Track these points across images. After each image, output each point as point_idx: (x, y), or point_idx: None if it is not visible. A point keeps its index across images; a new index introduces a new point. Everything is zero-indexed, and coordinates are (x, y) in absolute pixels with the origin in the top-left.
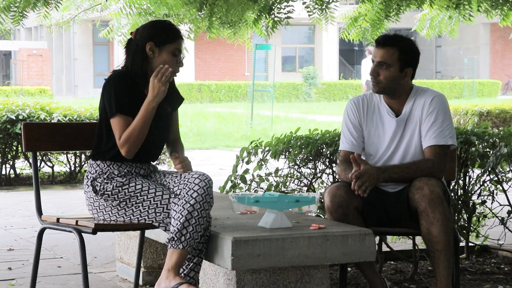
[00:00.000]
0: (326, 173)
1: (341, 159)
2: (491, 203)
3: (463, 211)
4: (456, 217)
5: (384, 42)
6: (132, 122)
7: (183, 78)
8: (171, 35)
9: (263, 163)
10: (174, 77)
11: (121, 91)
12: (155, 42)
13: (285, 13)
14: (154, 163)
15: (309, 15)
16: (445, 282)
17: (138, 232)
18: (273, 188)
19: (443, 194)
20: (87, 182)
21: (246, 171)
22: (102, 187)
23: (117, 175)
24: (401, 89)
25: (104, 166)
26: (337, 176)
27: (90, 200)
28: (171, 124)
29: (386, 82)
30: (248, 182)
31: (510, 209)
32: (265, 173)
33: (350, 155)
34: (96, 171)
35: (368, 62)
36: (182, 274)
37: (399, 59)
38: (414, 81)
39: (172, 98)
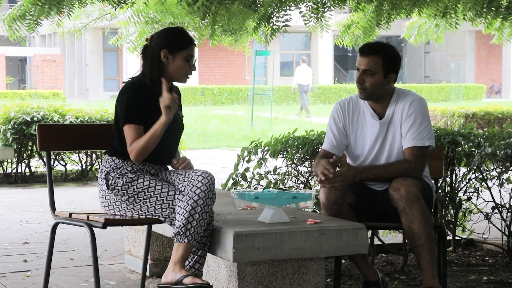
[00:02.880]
0: None
1: (319, 155)
2: (476, 199)
3: (450, 207)
4: (443, 213)
5: (368, 51)
6: (144, 135)
7: (188, 82)
8: (183, 42)
9: (262, 162)
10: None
11: (134, 101)
12: (169, 50)
13: (283, 22)
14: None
15: (305, 23)
16: (430, 274)
17: (145, 227)
18: (272, 185)
19: (420, 193)
20: (101, 175)
21: (247, 169)
22: (113, 181)
23: (129, 171)
24: (385, 93)
25: (119, 161)
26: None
27: (102, 193)
28: (183, 129)
29: (371, 88)
30: (249, 180)
31: (494, 205)
32: (265, 171)
33: (329, 154)
34: (110, 166)
35: (302, 69)
36: (188, 266)
37: (383, 66)
38: (403, 85)
39: (180, 105)
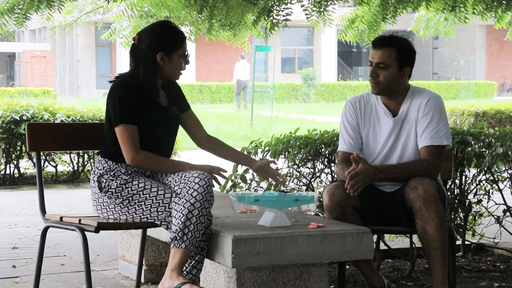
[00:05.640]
0: (324, 173)
1: (339, 159)
2: (487, 202)
3: (460, 210)
4: (452, 216)
5: (381, 43)
6: (162, 159)
7: (185, 79)
8: (178, 41)
9: None
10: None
11: (126, 100)
12: (165, 52)
13: (283, 16)
14: None
15: (307, 18)
16: (441, 279)
17: (140, 231)
18: (272, 187)
19: (438, 194)
20: (93, 177)
21: (246, 170)
22: (107, 184)
23: (123, 173)
24: (399, 89)
25: (112, 163)
26: (335, 176)
27: (95, 196)
28: (178, 127)
29: (385, 82)
30: (248, 182)
31: (505, 208)
32: None
33: (349, 155)
34: (103, 168)
35: (240, 65)
36: (185, 272)
37: (397, 59)
38: (410, 82)
39: (179, 101)
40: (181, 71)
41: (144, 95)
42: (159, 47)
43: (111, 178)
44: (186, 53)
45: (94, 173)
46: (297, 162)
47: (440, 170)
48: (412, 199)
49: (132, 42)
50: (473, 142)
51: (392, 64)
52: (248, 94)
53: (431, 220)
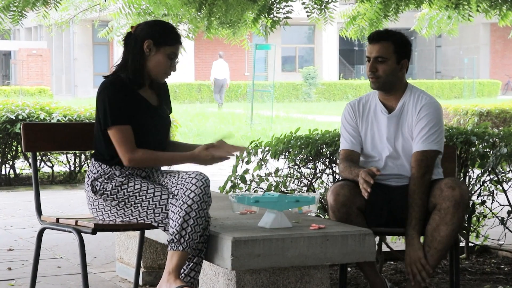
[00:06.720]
0: (326, 173)
1: (341, 157)
2: (491, 203)
3: None
4: None
5: (378, 37)
6: (160, 154)
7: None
8: (170, 38)
9: (263, 163)
10: (166, 79)
11: (115, 101)
12: (154, 41)
13: (284, 13)
14: None
15: (307, 15)
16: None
17: (137, 232)
18: (273, 188)
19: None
20: (87, 181)
21: (246, 171)
22: (102, 186)
23: (118, 175)
24: (398, 83)
25: (106, 167)
26: (338, 174)
27: (89, 199)
28: (169, 126)
29: (385, 76)
30: (248, 182)
31: (510, 209)
32: (265, 173)
33: (351, 152)
34: (98, 171)
35: (218, 64)
36: (183, 275)
37: (395, 52)
38: (413, 81)
39: (168, 101)
40: (166, 73)
41: (130, 90)
42: (150, 34)
43: (105, 181)
44: (175, 57)
45: (88, 177)
46: (297, 163)
47: (430, 174)
48: (444, 197)
49: (129, 31)
50: (477, 142)
51: (390, 57)
52: (224, 93)
53: (451, 224)
